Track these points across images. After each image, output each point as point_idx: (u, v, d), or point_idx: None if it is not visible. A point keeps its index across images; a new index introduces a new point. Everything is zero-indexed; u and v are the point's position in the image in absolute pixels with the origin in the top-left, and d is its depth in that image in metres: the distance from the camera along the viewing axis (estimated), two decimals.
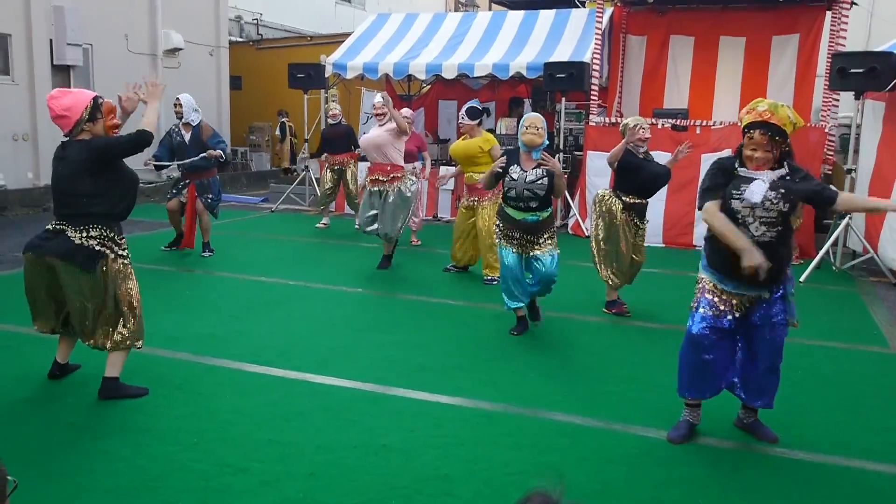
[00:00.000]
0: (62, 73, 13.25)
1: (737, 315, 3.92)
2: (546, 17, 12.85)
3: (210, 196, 8.53)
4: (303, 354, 5.35)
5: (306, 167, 13.51)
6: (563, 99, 11.45)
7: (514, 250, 5.80)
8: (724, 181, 3.83)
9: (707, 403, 4.18)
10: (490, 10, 15.64)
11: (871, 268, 8.73)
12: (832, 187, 3.89)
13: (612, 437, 4.11)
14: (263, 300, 6.87)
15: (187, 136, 8.35)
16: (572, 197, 11.35)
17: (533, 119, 5.70)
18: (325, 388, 4.74)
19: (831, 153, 10.10)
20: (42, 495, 3.34)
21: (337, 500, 3.38)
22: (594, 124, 11.13)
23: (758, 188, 3.71)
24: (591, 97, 11.26)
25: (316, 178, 12.85)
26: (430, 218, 11.77)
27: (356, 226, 7.96)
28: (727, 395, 4.16)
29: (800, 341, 5.81)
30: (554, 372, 5.14)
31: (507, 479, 3.61)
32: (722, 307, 3.91)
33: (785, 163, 3.79)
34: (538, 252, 5.75)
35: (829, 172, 10.22)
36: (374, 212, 7.89)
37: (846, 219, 8.70)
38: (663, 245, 10.16)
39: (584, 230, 10.83)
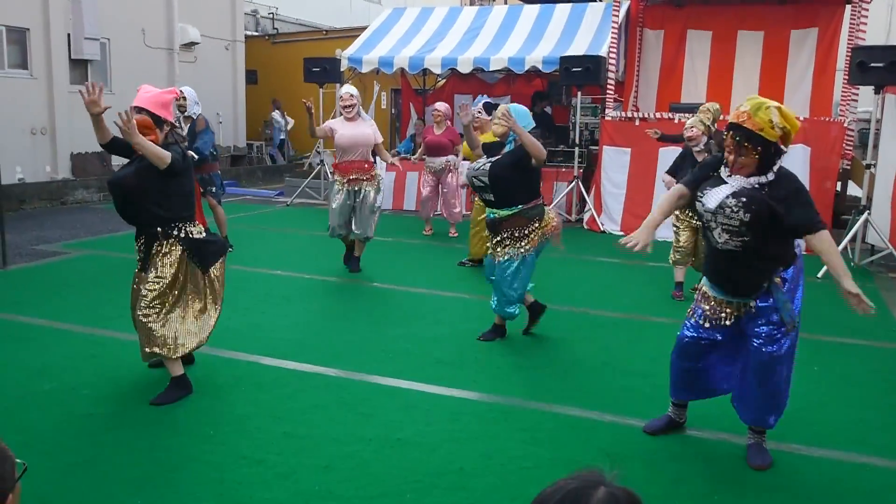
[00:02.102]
0: (80, 68, 13.34)
1: (727, 323, 3.74)
2: (562, 10, 12.80)
3: (213, 188, 8.60)
4: (318, 348, 5.37)
5: (321, 161, 13.54)
6: (579, 93, 11.41)
7: (490, 250, 5.56)
8: (706, 176, 3.67)
9: (726, 401, 4.14)
10: (506, 3, 15.59)
11: (891, 264, 8.64)
12: (817, 221, 3.44)
13: (627, 433, 4.10)
14: (279, 293, 6.89)
15: (185, 128, 8.41)
16: (587, 192, 11.32)
17: (499, 109, 5.34)
18: (341, 381, 4.75)
19: (850, 148, 10.02)
20: (60, 485, 3.37)
21: (352, 493, 3.39)
22: (610, 119, 11.09)
23: (717, 193, 3.51)
24: (608, 91, 11.21)
25: (331, 172, 12.86)
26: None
27: (328, 232, 7.71)
28: None
29: (817, 338, 5.78)
30: (569, 367, 5.13)
31: (522, 473, 3.61)
32: (714, 315, 3.76)
33: (773, 171, 3.48)
34: (497, 255, 5.40)
35: (848, 167, 10.15)
36: (347, 217, 7.56)
37: (865, 214, 8.63)
38: None
39: (600, 225, 10.80)
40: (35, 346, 5.23)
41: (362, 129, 7.49)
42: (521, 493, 3.42)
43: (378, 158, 8.08)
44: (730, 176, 3.55)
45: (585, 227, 11.07)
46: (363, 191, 7.54)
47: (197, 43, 15.70)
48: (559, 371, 5.04)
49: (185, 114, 8.45)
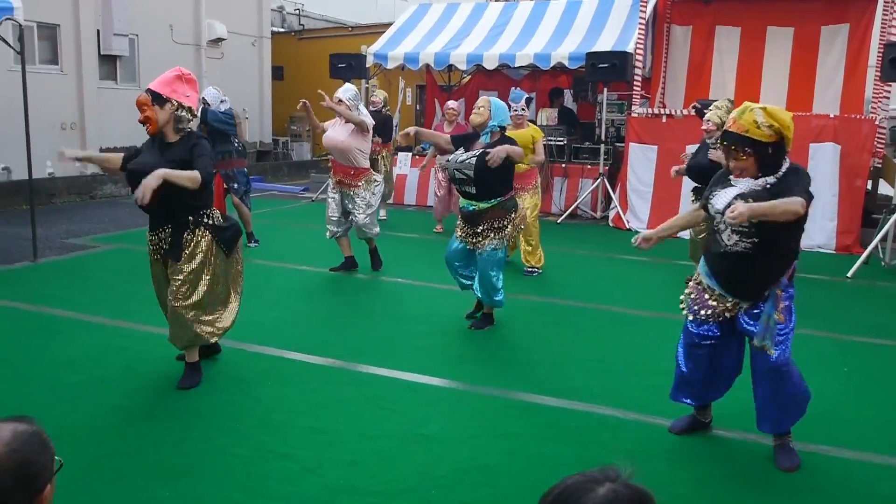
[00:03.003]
0: (109, 63, 13.49)
1: (721, 316, 3.74)
2: (589, 5, 12.72)
3: (236, 184, 8.65)
4: (343, 343, 5.39)
5: None
6: (605, 89, 11.33)
7: (458, 236, 5.67)
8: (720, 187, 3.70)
9: (752, 399, 4.10)
10: None
11: None
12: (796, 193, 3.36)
13: (653, 432, 4.07)
14: (304, 289, 6.93)
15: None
16: (613, 189, 11.25)
17: (479, 100, 5.58)
18: (366, 376, 4.76)
19: (881, 146, 9.86)
20: (88, 477, 3.41)
21: (378, 487, 3.40)
22: (637, 115, 11.01)
23: (725, 195, 3.54)
24: (634, 88, 11.13)
25: None
26: None
27: (327, 235, 7.60)
28: None
29: (848, 338, 5.72)
30: (594, 365, 5.10)
31: (547, 470, 3.60)
32: (708, 303, 3.76)
33: (782, 169, 3.50)
34: (477, 246, 5.54)
35: (879, 165, 9.99)
36: (340, 216, 7.41)
37: None
38: None
39: (625, 222, 10.74)
40: (64, 339, 5.30)
41: (340, 134, 7.14)
42: (545, 491, 3.41)
43: (384, 161, 8.05)
44: (736, 179, 3.59)
45: (611, 224, 11.00)
46: (350, 195, 7.27)
47: (224, 39, 15.81)
48: (583, 369, 5.02)
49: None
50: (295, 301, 6.50)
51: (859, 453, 3.88)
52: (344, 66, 12.65)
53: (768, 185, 3.49)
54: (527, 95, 7.86)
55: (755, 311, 3.63)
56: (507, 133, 7.44)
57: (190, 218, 4.34)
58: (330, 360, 5.02)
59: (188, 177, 4.14)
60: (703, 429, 4.08)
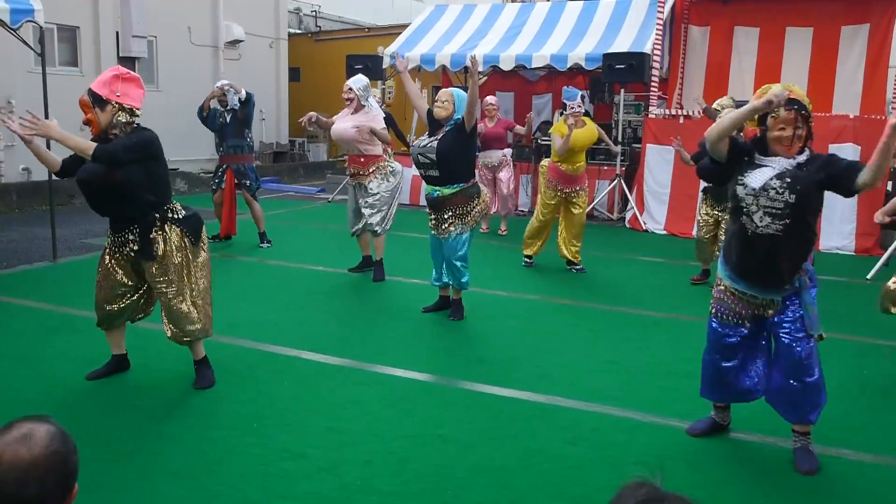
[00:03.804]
0: (128, 65, 13.56)
1: (749, 320, 3.74)
2: (606, 7, 12.68)
3: (248, 181, 8.71)
4: (359, 343, 5.40)
5: None
6: (622, 90, 11.29)
7: (431, 226, 5.88)
8: (735, 154, 3.64)
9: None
10: (548, 0, 15.51)
11: None
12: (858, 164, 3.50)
13: (670, 434, 4.05)
14: (320, 289, 6.95)
15: (228, 117, 8.66)
16: (630, 190, 11.20)
17: (441, 93, 5.72)
18: (382, 377, 4.77)
19: None
20: (106, 476, 3.43)
21: (393, 488, 3.40)
22: (654, 116, 10.96)
23: (760, 174, 3.53)
24: (651, 89, 11.08)
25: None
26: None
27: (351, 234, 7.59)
28: None
29: (868, 341, 5.66)
30: (611, 366, 5.08)
31: (563, 472, 3.59)
32: (736, 310, 3.74)
33: (807, 149, 3.60)
34: (441, 233, 5.76)
35: None
36: (352, 212, 7.41)
37: None
38: None
39: (642, 224, 10.69)
40: (84, 338, 5.34)
41: (345, 124, 7.11)
42: (562, 493, 3.40)
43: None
44: (771, 158, 3.58)
45: (628, 225, 10.96)
46: (364, 185, 7.22)
47: (241, 41, 15.89)
48: (599, 370, 5.00)
49: (227, 107, 8.61)
50: (311, 301, 6.52)
51: (879, 457, 3.83)
52: (360, 67, 12.66)
53: (799, 165, 3.54)
54: (581, 92, 7.80)
55: (788, 303, 3.62)
56: (576, 132, 7.44)
57: (156, 215, 4.30)
58: (346, 361, 5.03)
59: (80, 146, 3.99)
60: (721, 431, 4.05)
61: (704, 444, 3.93)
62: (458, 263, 5.78)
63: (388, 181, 7.26)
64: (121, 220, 4.32)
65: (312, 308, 6.32)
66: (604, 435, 4.01)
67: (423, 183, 5.89)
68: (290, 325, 5.78)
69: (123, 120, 4.19)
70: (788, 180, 3.44)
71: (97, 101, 4.14)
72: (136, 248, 4.33)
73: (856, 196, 8.98)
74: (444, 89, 5.79)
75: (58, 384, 4.53)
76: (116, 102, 4.15)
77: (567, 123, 7.42)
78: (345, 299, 6.65)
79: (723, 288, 3.81)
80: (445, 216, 5.71)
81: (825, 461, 3.76)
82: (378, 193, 7.20)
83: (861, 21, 11.12)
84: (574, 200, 7.65)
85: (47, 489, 1.45)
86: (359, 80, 7.21)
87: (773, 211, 3.47)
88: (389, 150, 7.67)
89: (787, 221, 3.47)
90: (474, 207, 5.73)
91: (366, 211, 7.22)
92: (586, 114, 8.02)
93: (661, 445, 3.91)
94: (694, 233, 7.31)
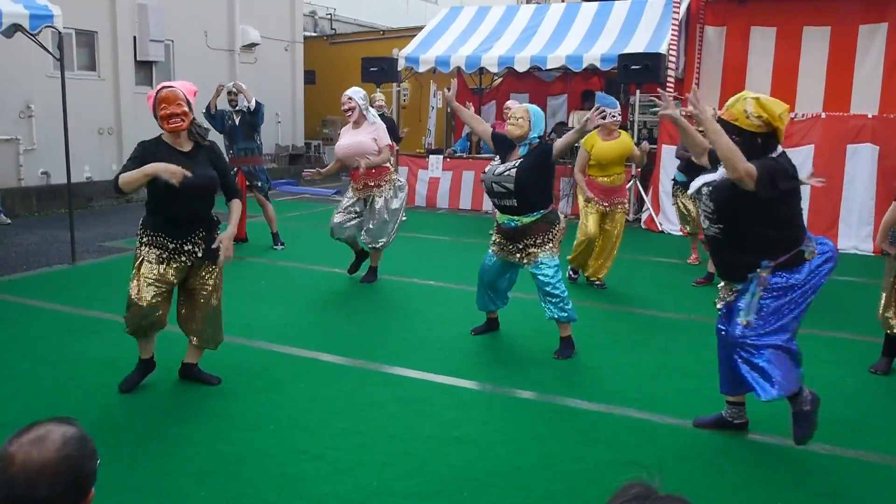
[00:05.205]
0: (145, 69, 13.68)
1: (722, 308, 3.92)
2: (621, 7, 12.64)
3: (259, 182, 8.75)
4: (376, 345, 5.41)
5: None
6: (638, 91, 11.25)
7: (494, 252, 5.36)
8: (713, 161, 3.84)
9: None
10: (563, 1, 15.49)
11: None
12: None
13: (688, 436, 4.03)
14: (337, 291, 6.97)
15: (237, 119, 8.68)
16: (646, 191, 11.17)
17: (514, 109, 5.23)
18: (399, 378, 4.78)
19: None
20: (125, 476, 3.46)
21: (410, 489, 3.41)
22: None
23: (698, 180, 3.73)
24: (667, 89, 11.03)
25: None
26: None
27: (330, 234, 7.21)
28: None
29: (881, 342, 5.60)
30: (627, 369, 5.07)
31: (581, 474, 3.58)
32: (723, 302, 3.91)
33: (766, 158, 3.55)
34: (527, 263, 5.18)
35: None
36: (352, 217, 7.02)
37: None
38: None
39: (658, 225, 10.65)
40: (103, 340, 5.38)
41: (359, 138, 6.84)
42: (580, 495, 3.40)
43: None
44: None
45: (643, 226, 10.92)
46: (371, 197, 6.93)
47: (257, 44, 15.95)
48: (617, 372, 4.99)
49: (236, 108, 8.65)
50: (328, 303, 6.54)
51: None
52: (375, 69, 12.71)
53: None
54: (613, 98, 7.30)
55: (742, 294, 3.70)
56: (608, 143, 7.02)
57: (214, 217, 4.43)
58: (363, 362, 5.04)
59: (239, 212, 4.49)
60: (728, 428, 4.05)
61: (723, 446, 3.91)
62: (558, 291, 5.11)
63: (398, 196, 7.04)
64: (194, 223, 4.31)
65: (329, 310, 6.34)
66: (622, 437, 4.00)
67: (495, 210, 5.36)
68: (306, 327, 5.80)
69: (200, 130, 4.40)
70: (712, 187, 3.63)
71: (188, 104, 4.25)
72: (199, 251, 4.33)
73: (874, 197, 8.83)
74: (518, 105, 5.34)
75: (76, 385, 4.57)
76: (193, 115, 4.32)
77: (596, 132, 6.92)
78: (361, 301, 6.67)
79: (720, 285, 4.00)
80: (520, 245, 5.16)
81: (842, 463, 3.74)
82: (395, 209, 7.01)
83: (879, 20, 11.02)
84: (611, 216, 7.06)
85: (57, 492, 1.47)
86: (357, 91, 7.00)
87: (709, 215, 3.70)
88: (393, 159, 7.49)
89: (722, 226, 3.68)
90: (555, 235, 5.18)
91: (375, 226, 6.94)
92: (623, 127, 7.58)
93: (679, 447, 3.90)
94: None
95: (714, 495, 3.44)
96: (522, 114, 5.11)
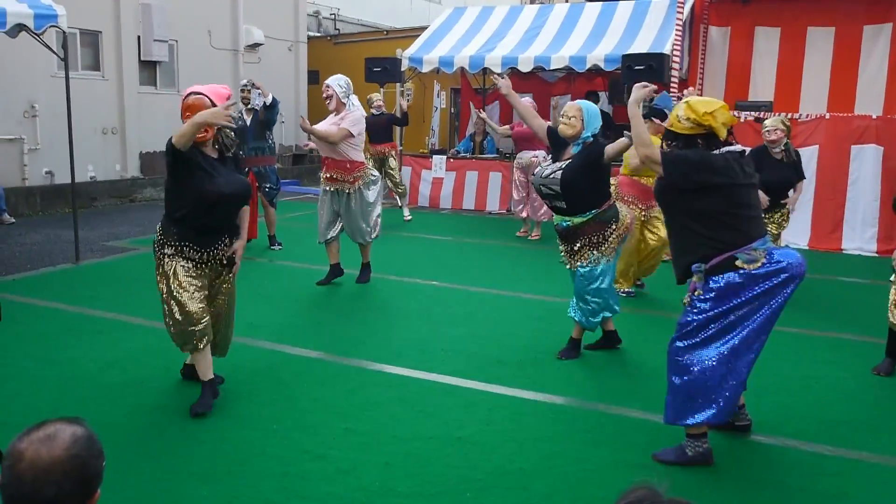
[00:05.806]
0: (149, 69, 13.70)
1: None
2: (625, 7, 12.63)
3: (269, 185, 8.74)
4: (379, 345, 5.41)
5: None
6: None
7: (564, 260, 5.17)
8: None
9: (797, 407, 4.04)
10: (567, 1, 15.47)
11: None
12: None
13: None
14: (340, 291, 6.97)
15: (248, 119, 8.60)
16: None
17: (566, 107, 4.96)
18: (401, 379, 4.78)
19: None
20: (128, 476, 3.46)
21: (413, 490, 3.41)
22: None
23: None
24: (671, 90, 11.01)
25: None
26: None
27: (319, 239, 7.18)
28: (817, 400, 4.02)
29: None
30: (632, 369, 5.06)
31: (584, 475, 3.58)
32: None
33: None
34: (574, 265, 5.03)
35: None
36: (334, 218, 6.99)
37: None
38: (807, 248, 9.51)
39: None
40: (106, 340, 5.39)
41: (326, 125, 6.82)
42: (583, 495, 3.39)
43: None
44: None
45: None
46: (345, 192, 6.85)
47: (261, 44, 15.97)
48: (622, 373, 4.98)
49: (249, 106, 8.64)
50: (331, 303, 6.54)
51: None
52: (379, 69, 12.71)
53: None
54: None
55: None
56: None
57: (236, 223, 4.40)
58: (366, 363, 5.04)
59: (248, 218, 4.50)
60: (730, 430, 4.03)
61: (726, 448, 3.90)
62: (590, 298, 4.97)
63: (370, 189, 6.95)
64: (222, 231, 4.26)
65: (332, 310, 6.34)
66: (625, 437, 4.00)
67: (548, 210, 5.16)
68: (309, 327, 5.81)
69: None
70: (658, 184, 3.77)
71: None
72: (224, 259, 4.29)
73: (878, 198, 8.83)
74: (570, 103, 5.02)
75: (80, 384, 4.58)
76: None
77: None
78: (363, 301, 6.67)
79: None
80: (576, 246, 4.96)
81: (845, 464, 3.73)
82: (371, 202, 6.96)
83: (883, 20, 11.00)
84: (651, 223, 6.68)
85: (64, 492, 1.47)
86: (338, 78, 6.90)
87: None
88: (368, 154, 7.32)
89: (665, 218, 3.89)
90: (611, 234, 4.93)
91: (353, 221, 6.93)
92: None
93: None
94: None
95: (718, 496, 3.43)
96: (575, 112, 4.87)
